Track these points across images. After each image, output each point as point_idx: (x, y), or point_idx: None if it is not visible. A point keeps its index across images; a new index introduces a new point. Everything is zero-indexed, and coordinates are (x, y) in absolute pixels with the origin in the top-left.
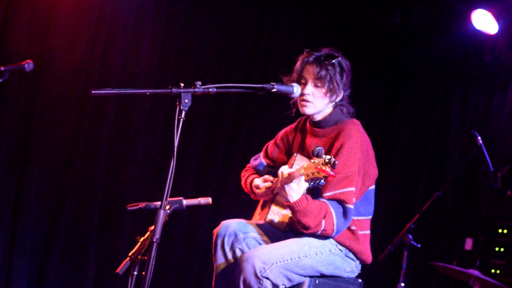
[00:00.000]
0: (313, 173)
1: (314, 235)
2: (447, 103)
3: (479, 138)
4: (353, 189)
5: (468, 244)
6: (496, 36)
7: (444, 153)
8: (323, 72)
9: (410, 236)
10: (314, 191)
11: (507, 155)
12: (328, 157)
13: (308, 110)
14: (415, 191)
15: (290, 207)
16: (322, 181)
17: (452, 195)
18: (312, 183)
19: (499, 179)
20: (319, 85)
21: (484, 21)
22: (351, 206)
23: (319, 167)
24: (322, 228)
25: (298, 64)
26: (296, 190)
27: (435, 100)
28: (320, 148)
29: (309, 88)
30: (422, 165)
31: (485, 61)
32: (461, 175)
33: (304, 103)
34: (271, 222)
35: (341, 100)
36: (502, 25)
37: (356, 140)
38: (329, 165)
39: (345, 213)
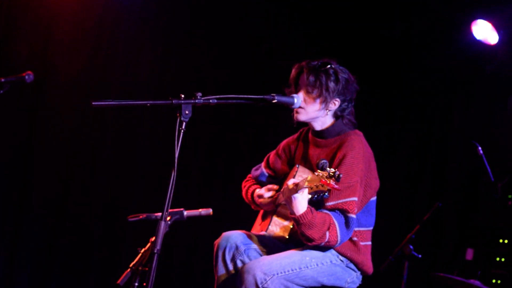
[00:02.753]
0: (317, 186)
1: (316, 246)
2: (447, 113)
3: (480, 148)
4: (355, 199)
5: (469, 254)
6: (496, 47)
7: (444, 163)
8: (312, 78)
9: (411, 247)
10: (317, 201)
11: (507, 165)
12: (333, 170)
13: (300, 116)
14: (415, 201)
15: (296, 219)
16: (326, 194)
17: (452, 206)
18: (316, 196)
19: (499, 189)
20: (309, 91)
21: (484, 32)
22: (353, 216)
23: (323, 180)
24: (326, 240)
25: (293, 72)
26: (302, 203)
27: (436, 110)
28: (324, 161)
29: (301, 95)
30: (423, 175)
31: (485, 71)
32: (461, 185)
33: (296, 109)
34: (272, 233)
35: (342, 111)
36: (503, 36)
37: (359, 151)
38: (333, 178)
39: (347, 223)
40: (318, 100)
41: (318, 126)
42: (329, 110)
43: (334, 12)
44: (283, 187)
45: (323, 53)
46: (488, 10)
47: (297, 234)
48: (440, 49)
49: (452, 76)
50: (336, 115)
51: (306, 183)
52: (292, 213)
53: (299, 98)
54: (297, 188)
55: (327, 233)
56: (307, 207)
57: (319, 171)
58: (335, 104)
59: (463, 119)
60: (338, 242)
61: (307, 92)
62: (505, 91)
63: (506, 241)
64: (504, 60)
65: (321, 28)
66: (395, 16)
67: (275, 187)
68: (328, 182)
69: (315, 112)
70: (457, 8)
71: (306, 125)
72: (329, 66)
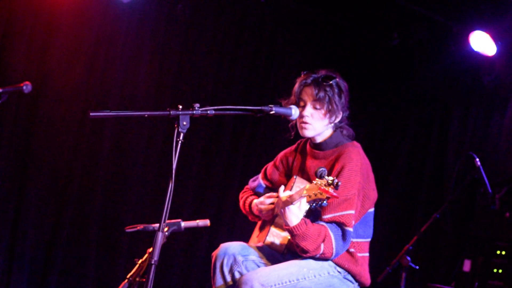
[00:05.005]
0: (315, 194)
1: (313, 257)
2: (445, 124)
3: (477, 159)
4: (352, 212)
5: (466, 265)
6: (494, 58)
7: (442, 174)
8: (321, 94)
9: (408, 258)
10: (314, 213)
11: (505, 176)
12: (331, 178)
13: (308, 132)
14: (413, 212)
15: (289, 231)
16: (325, 202)
17: (450, 217)
18: (314, 205)
19: (497, 200)
20: (318, 106)
21: (482, 43)
22: (350, 229)
23: (322, 188)
24: (321, 251)
25: (296, 86)
26: (296, 214)
27: (433, 121)
28: (323, 169)
29: (308, 110)
30: (420, 186)
31: (483, 82)
32: (459, 197)
33: (303, 125)
34: (270, 245)
35: (340, 122)
36: (500, 47)
37: (357, 163)
38: (332, 186)
39: (344, 235)
40: (327, 116)
41: (319, 138)
42: (333, 123)
43: (333, 22)
44: (277, 199)
45: (321, 63)
46: (485, 21)
47: (294, 246)
48: (438, 60)
49: (450, 87)
50: (335, 126)
51: (305, 192)
52: (286, 224)
53: (296, 110)
54: (291, 200)
55: (322, 245)
56: (302, 219)
57: (317, 179)
58: (338, 117)
59: (461, 130)
60: (334, 255)
61: (315, 108)
62: (503, 102)
63: (503, 253)
64: (502, 71)
65: (319, 39)
66: (393, 27)
67: (274, 194)
68: (326, 189)
69: (323, 127)
70: (455, 19)
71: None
72: (333, 80)
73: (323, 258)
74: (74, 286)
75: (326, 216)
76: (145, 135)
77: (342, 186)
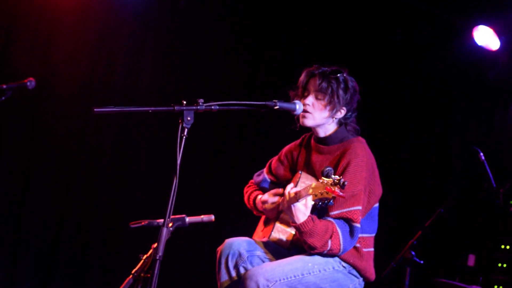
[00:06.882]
0: (321, 193)
1: (320, 254)
2: (449, 119)
3: (482, 154)
4: (359, 207)
5: (471, 260)
6: (498, 53)
7: (446, 169)
8: (324, 84)
9: (413, 253)
10: (321, 209)
11: (509, 171)
12: (337, 177)
13: (308, 121)
14: (417, 207)
15: (297, 228)
16: (331, 201)
17: (454, 212)
18: (320, 203)
19: (501, 195)
20: (319, 97)
21: (486, 38)
22: (358, 225)
23: (328, 187)
24: (329, 248)
25: (303, 76)
26: (303, 211)
27: (437, 116)
28: (329, 168)
29: (310, 99)
30: (425, 181)
31: (487, 77)
32: (463, 192)
33: (304, 113)
34: (275, 240)
35: (345, 118)
36: (504, 42)
37: (362, 158)
38: (338, 185)
39: (352, 231)
40: (327, 107)
41: (322, 132)
42: (335, 118)
43: (336, 18)
44: (284, 195)
45: (324, 58)
46: (489, 16)
47: (300, 241)
48: (441, 55)
49: (454, 82)
50: (339, 122)
51: (311, 190)
52: (293, 221)
53: (301, 105)
54: (297, 196)
55: (329, 242)
56: (308, 216)
57: (323, 178)
58: (341, 112)
59: (465, 125)
60: (341, 251)
61: (317, 98)
62: (507, 96)
63: (507, 247)
64: (506, 66)
65: (322, 33)
66: (397, 21)
67: (280, 190)
68: (333, 189)
69: (323, 119)
70: (459, 14)
71: (309, 130)
72: (339, 74)
73: (330, 255)
74: (79, 282)
75: (334, 213)
76: (149, 131)
77: (348, 182)
